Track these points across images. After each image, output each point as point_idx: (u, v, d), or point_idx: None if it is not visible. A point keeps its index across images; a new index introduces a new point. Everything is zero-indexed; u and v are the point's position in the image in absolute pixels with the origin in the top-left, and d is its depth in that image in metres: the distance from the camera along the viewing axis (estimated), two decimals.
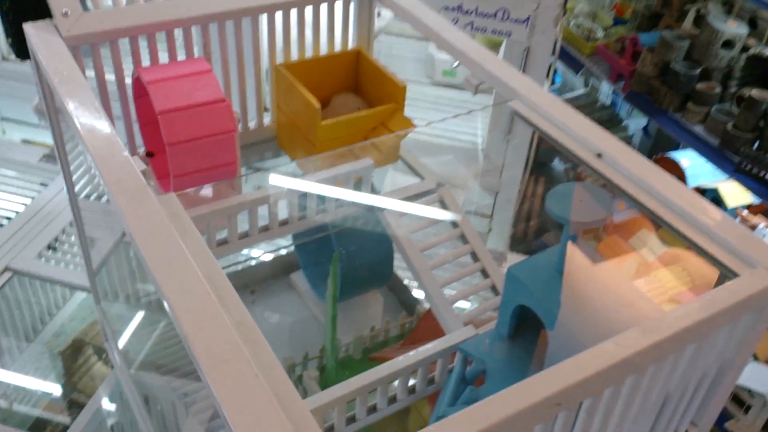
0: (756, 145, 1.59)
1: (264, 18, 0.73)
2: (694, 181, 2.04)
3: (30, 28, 0.61)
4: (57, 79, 0.55)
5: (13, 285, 0.95)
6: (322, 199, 0.71)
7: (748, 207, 1.85)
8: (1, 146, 1.16)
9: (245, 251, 1.02)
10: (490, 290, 0.71)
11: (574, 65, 2.39)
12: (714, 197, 2.03)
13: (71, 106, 0.52)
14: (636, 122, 2.57)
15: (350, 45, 0.81)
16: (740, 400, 1.56)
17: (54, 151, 1.15)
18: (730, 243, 0.47)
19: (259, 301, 0.90)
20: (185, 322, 0.39)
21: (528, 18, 0.92)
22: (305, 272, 0.90)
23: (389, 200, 0.72)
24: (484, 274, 0.71)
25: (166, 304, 0.40)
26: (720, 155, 1.81)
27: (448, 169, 1.06)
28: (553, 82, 2.92)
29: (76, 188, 1.06)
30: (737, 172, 1.70)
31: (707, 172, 2.03)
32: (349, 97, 0.80)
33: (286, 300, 0.90)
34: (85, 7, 0.64)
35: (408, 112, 0.75)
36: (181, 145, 0.61)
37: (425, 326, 0.72)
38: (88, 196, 1.03)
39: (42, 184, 1.09)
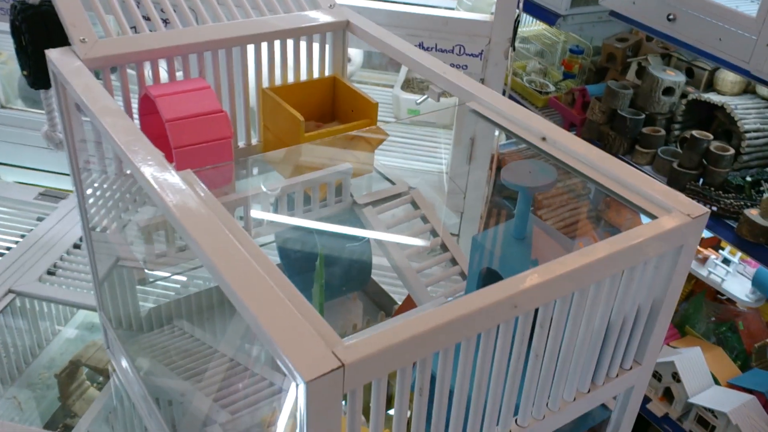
0: (701, 181, 1.73)
1: (251, 48, 0.84)
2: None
3: (53, 54, 0.71)
4: (86, 94, 0.64)
5: (15, 306, 1.01)
6: (305, 202, 0.81)
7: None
8: None
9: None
10: (459, 276, 0.80)
11: None
12: None
13: (107, 120, 0.61)
14: None
15: (327, 72, 0.92)
16: (705, 421, 1.65)
17: (49, 191, 1.23)
18: (651, 195, 0.57)
19: None
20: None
21: (481, 52, 1.05)
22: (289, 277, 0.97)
23: (367, 200, 0.82)
24: (453, 262, 0.81)
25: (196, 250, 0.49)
26: None
27: (435, 195, 1.17)
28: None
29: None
30: None
31: None
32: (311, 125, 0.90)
33: None
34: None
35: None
36: (186, 149, 0.70)
37: (406, 306, 0.81)
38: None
39: (38, 219, 1.16)
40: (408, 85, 1.48)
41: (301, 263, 0.91)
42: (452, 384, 0.49)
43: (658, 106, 2.03)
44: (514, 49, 1.14)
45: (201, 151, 0.72)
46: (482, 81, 1.06)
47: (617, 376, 0.61)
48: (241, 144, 0.90)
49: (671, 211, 0.56)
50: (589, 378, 0.59)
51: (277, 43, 0.85)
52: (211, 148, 0.72)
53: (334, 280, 0.89)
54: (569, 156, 0.63)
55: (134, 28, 0.77)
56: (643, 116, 2.02)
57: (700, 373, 1.67)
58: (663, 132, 2.02)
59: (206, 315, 0.96)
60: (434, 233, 0.82)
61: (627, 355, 0.61)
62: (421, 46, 1.05)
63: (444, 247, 0.81)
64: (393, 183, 0.87)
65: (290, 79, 0.89)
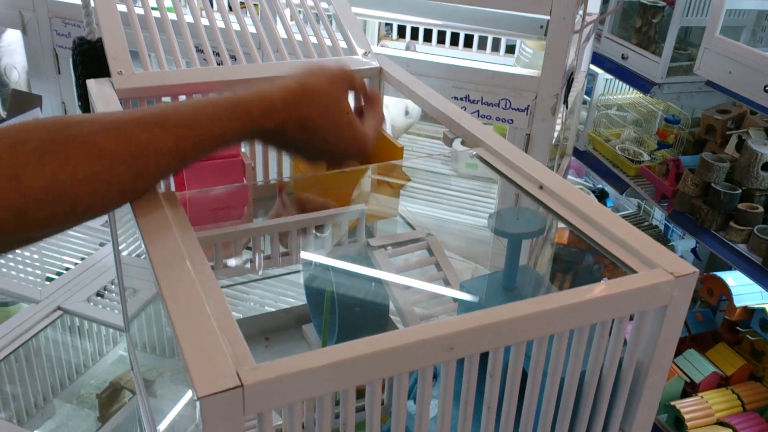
0: None
1: None
2: (740, 300, 2.02)
3: (92, 83, 0.77)
4: None
5: (64, 322, 1.07)
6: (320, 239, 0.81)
7: None
8: None
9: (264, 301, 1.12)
10: None
11: (620, 185, 2.47)
12: (762, 318, 2.00)
13: None
14: (685, 244, 2.59)
15: None
16: None
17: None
18: (637, 250, 0.54)
19: (271, 347, 0.99)
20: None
21: (528, 107, 1.03)
22: (314, 323, 0.98)
23: (381, 243, 0.81)
24: None
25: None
26: (764, 274, 1.82)
27: (458, 244, 1.15)
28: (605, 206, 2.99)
29: (128, 249, 1.20)
30: None
31: (755, 292, 2.02)
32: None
33: (297, 349, 0.98)
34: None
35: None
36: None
37: None
38: (139, 255, 1.17)
39: (101, 244, 1.24)
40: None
41: (319, 301, 0.91)
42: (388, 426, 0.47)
43: (756, 182, 1.91)
44: (567, 107, 1.12)
45: (208, 169, 0.74)
46: (528, 136, 1.05)
47: None
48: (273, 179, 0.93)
49: (654, 268, 0.52)
50: None
51: None
52: (220, 167, 0.75)
53: (349, 320, 0.89)
54: (562, 205, 0.60)
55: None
56: (740, 191, 1.91)
57: None
58: (761, 209, 1.90)
59: None
60: (446, 281, 0.80)
61: (610, 423, 0.57)
62: (467, 99, 1.06)
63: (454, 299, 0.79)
64: (413, 228, 0.86)
65: None
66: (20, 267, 1.19)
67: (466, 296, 0.63)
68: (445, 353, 0.45)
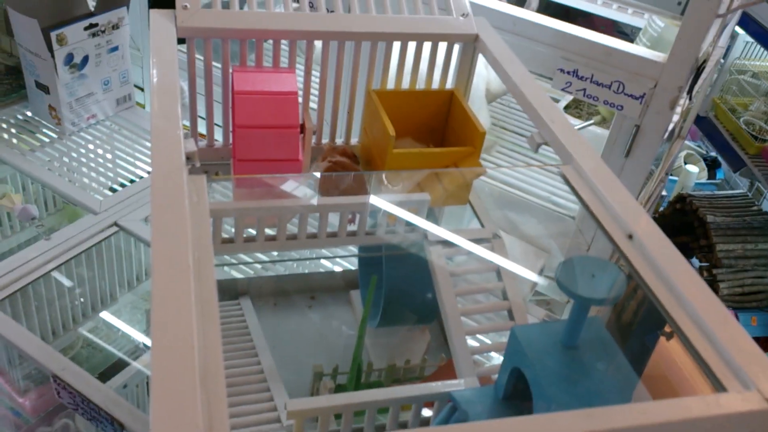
0: None
1: (367, 45, 0.77)
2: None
3: (154, 14, 0.69)
4: (155, 59, 0.62)
5: (119, 239, 1.06)
6: (374, 219, 0.74)
7: None
8: (145, 117, 1.30)
9: (321, 260, 1.06)
10: None
11: (735, 162, 2.24)
12: None
13: (153, 81, 0.59)
14: None
15: (448, 86, 0.83)
16: None
17: None
18: (731, 357, 0.43)
19: (315, 307, 0.94)
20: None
21: (643, 95, 0.89)
22: (361, 292, 0.92)
23: (441, 233, 0.73)
24: None
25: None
26: None
27: (534, 229, 1.05)
28: (713, 177, 2.75)
29: None
30: None
31: None
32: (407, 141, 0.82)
33: (340, 314, 0.93)
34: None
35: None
36: (248, 130, 0.66)
37: (445, 372, 0.72)
38: None
39: None
40: (576, 106, 1.33)
41: (367, 279, 0.85)
42: None
43: None
44: (690, 99, 0.97)
45: (264, 137, 0.67)
46: (637, 128, 0.91)
47: None
48: (340, 141, 0.85)
49: (748, 388, 0.42)
50: None
51: (396, 45, 0.78)
52: (275, 135, 0.67)
53: (397, 307, 0.82)
54: (650, 268, 0.50)
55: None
56: None
57: None
58: None
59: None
60: (505, 294, 0.72)
61: None
62: (575, 74, 0.92)
63: (510, 315, 0.71)
64: (482, 225, 0.77)
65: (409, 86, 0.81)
66: (84, 170, 1.17)
67: (516, 343, 0.54)
68: None
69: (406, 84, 0.82)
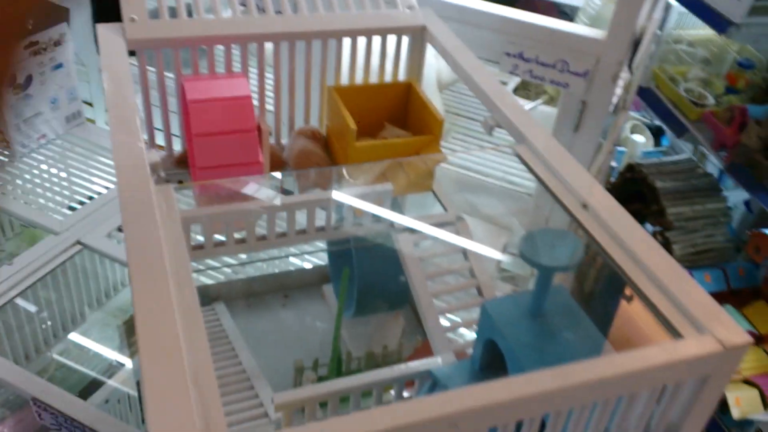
0: None
1: (318, 44, 0.79)
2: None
3: (102, 29, 0.70)
4: (106, 73, 0.63)
5: (83, 258, 1.05)
6: (340, 213, 0.76)
7: None
8: (97, 133, 1.29)
9: (290, 258, 1.08)
10: None
11: (678, 129, 2.32)
12: None
13: (108, 92, 0.60)
14: (737, 194, 2.45)
15: (400, 77, 0.85)
16: None
17: None
18: (686, 306, 0.47)
19: (289, 305, 0.96)
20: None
21: (587, 72, 0.93)
22: (333, 286, 0.94)
23: (407, 221, 0.75)
24: None
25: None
26: None
27: (494, 209, 1.08)
28: (659, 144, 2.84)
29: None
30: None
31: None
32: (396, 130, 0.84)
33: (314, 309, 0.95)
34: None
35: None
36: (206, 138, 0.67)
37: (422, 352, 0.74)
38: None
39: None
40: (524, 87, 1.37)
41: (339, 271, 0.87)
42: None
43: None
44: (631, 72, 1.01)
45: (222, 143, 0.68)
46: (583, 104, 0.95)
47: None
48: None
49: (702, 332, 0.45)
50: None
51: (346, 42, 0.80)
52: (233, 140, 0.68)
53: (370, 297, 0.84)
54: (607, 234, 0.53)
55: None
56: None
57: None
58: None
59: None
60: (472, 272, 0.74)
61: None
62: (520, 56, 0.95)
63: (479, 292, 0.74)
64: (446, 210, 0.80)
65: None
66: (39, 192, 1.16)
67: (489, 315, 0.57)
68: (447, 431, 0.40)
69: (359, 79, 0.83)
